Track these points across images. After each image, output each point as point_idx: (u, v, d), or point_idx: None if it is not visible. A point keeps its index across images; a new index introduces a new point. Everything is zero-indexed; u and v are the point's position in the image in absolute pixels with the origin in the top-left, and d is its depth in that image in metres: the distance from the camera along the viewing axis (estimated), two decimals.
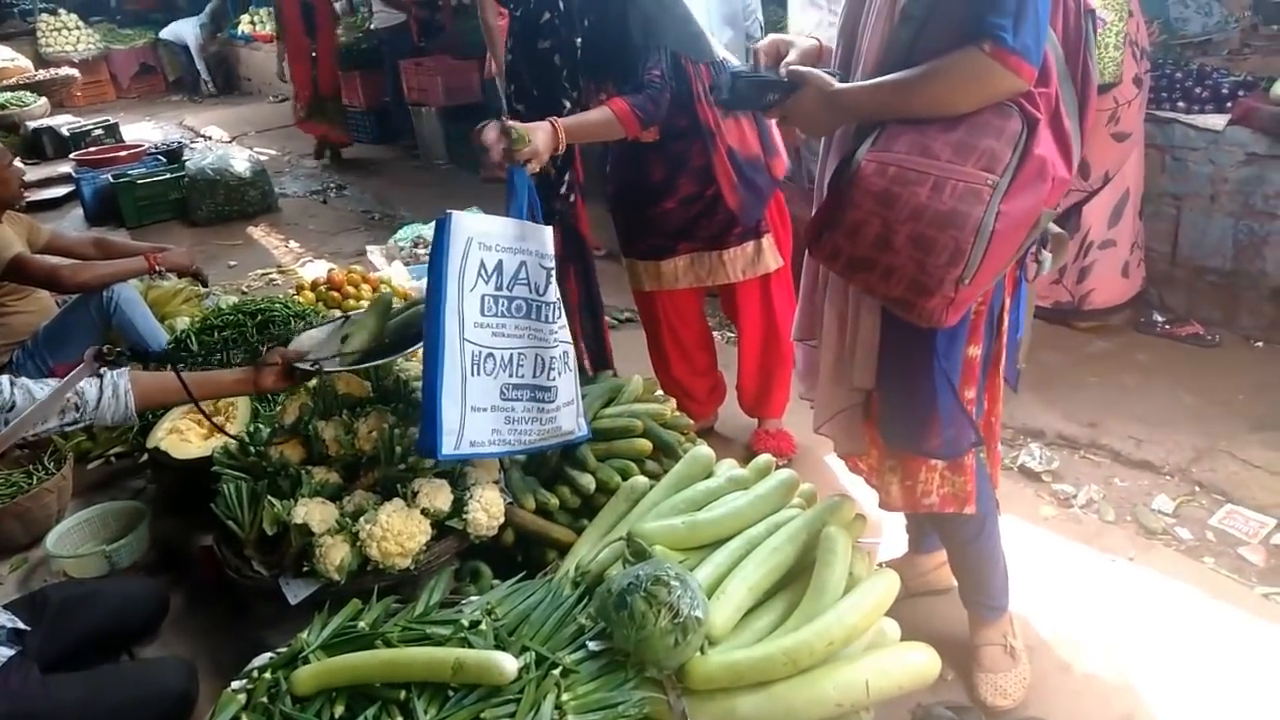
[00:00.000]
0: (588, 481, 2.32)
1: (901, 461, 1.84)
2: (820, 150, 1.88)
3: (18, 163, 3.47)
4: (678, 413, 2.64)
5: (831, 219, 1.60)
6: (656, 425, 2.50)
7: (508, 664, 1.59)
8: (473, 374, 1.98)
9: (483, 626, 1.73)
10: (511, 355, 2.06)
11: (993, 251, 1.48)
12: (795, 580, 1.93)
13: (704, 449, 2.29)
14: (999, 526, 1.96)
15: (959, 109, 1.48)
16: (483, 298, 2.00)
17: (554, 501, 2.31)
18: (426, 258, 4.75)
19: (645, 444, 2.43)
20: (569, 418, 2.15)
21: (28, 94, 9.80)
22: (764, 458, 2.23)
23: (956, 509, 1.82)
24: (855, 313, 1.76)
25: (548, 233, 2.08)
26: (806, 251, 1.84)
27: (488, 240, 1.99)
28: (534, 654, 1.68)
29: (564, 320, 2.12)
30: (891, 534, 2.41)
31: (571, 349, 2.16)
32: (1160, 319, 3.65)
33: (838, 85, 1.61)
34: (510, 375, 2.06)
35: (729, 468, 2.26)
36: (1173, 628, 2.16)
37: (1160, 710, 1.94)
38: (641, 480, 2.27)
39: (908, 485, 1.84)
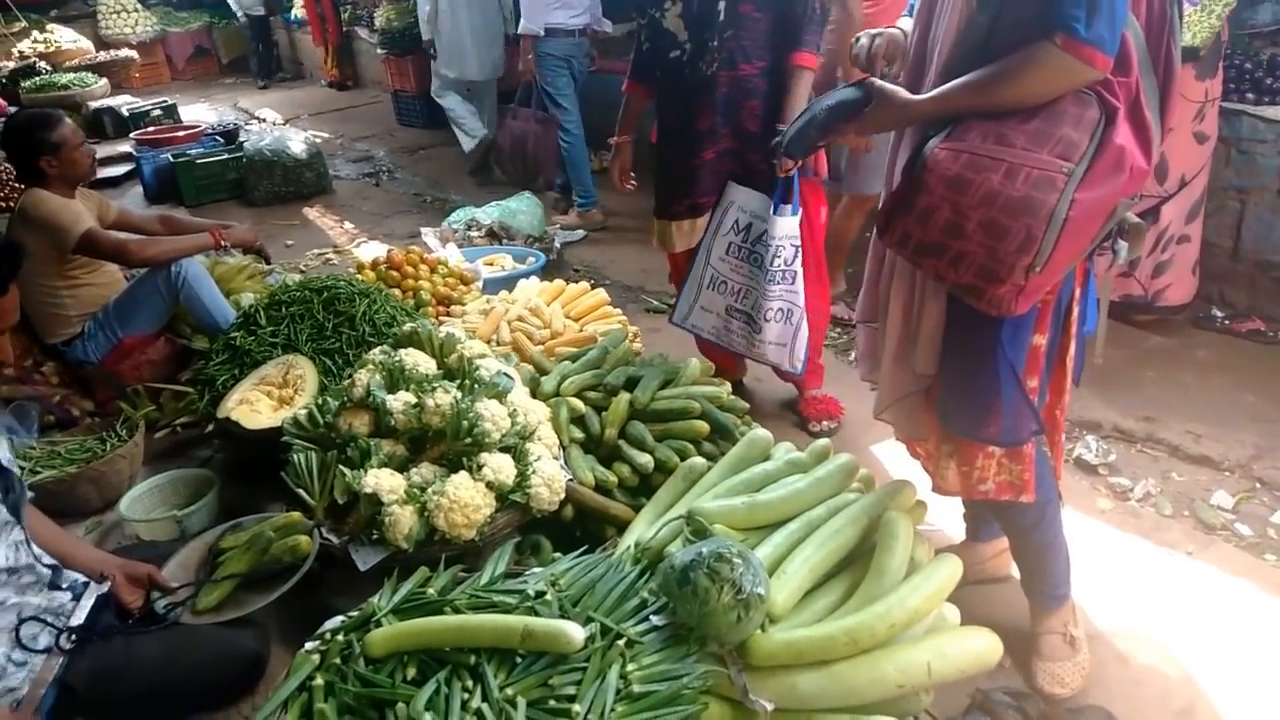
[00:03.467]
0: (646, 461, 2.36)
1: (959, 447, 1.84)
2: (892, 138, 1.88)
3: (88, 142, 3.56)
4: (733, 396, 2.67)
5: (902, 204, 1.60)
6: (713, 407, 2.53)
7: (576, 633, 1.63)
8: (708, 287, 3.02)
9: (548, 597, 1.77)
10: (739, 289, 2.96)
11: (1065, 240, 1.48)
12: (854, 564, 1.95)
13: (762, 432, 2.32)
14: (1061, 516, 1.96)
15: (1033, 103, 1.48)
16: (729, 244, 2.93)
17: (613, 479, 2.35)
18: (480, 241, 4.84)
19: (702, 425, 2.46)
20: (776, 354, 2.95)
21: (89, 75, 10.02)
22: (822, 443, 2.24)
23: (1013, 496, 1.82)
24: (920, 299, 1.77)
25: (790, 221, 2.77)
26: (874, 236, 1.85)
27: (746, 207, 2.87)
28: (599, 625, 1.72)
29: (792, 285, 2.84)
30: (949, 520, 2.41)
31: (795, 309, 2.87)
32: (1220, 315, 3.60)
33: (909, 97, 1.62)
34: (735, 301, 2.98)
35: (786, 451, 2.27)
36: (1233, 623, 2.14)
37: (1221, 704, 1.93)
38: (700, 461, 2.30)
39: (964, 471, 1.85)
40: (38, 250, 3.07)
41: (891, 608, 1.74)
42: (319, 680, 1.69)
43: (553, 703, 1.59)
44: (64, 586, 1.95)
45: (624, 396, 2.53)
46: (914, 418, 1.93)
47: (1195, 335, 3.55)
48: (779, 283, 2.83)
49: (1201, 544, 2.43)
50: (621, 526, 2.25)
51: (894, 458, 2.71)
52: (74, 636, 1.88)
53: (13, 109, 8.26)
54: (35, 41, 11.12)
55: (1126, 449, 2.89)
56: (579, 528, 2.34)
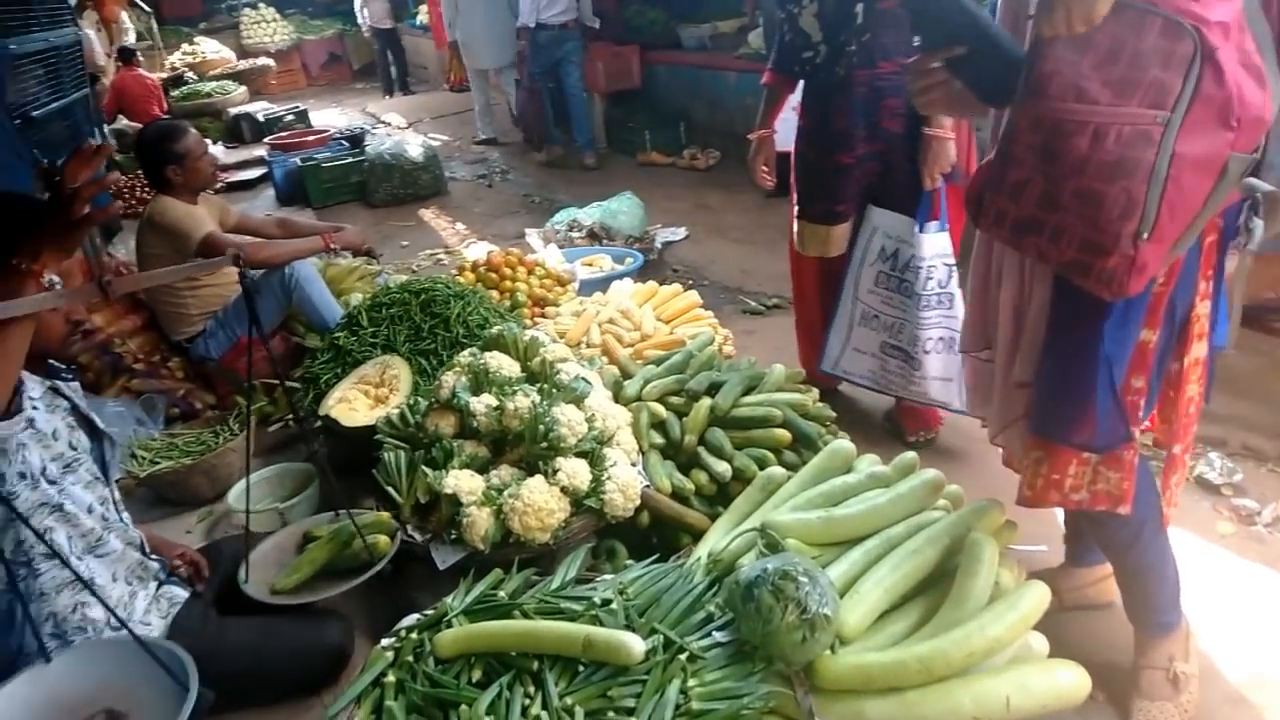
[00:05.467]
0: (724, 469, 2.32)
1: (1049, 453, 1.70)
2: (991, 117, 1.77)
3: (212, 149, 3.79)
4: (820, 404, 2.59)
5: (994, 179, 1.50)
6: (797, 416, 2.47)
7: (635, 645, 1.62)
8: (859, 324, 2.81)
9: (614, 605, 1.77)
10: (893, 323, 2.73)
11: (1171, 199, 1.33)
12: (935, 586, 1.86)
13: (845, 443, 2.24)
14: (1165, 535, 1.80)
15: None
16: (878, 273, 2.72)
17: (690, 487, 2.32)
18: (580, 241, 4.90)
19: (784, 434, 2.41)
20: (941, 391, 2.70)
21: (230, 83, 10.71)
22: (908, 456, 2.15)
23: (1109, 507, 1.67)
24: (1029, 290, 1.65)
25: (939, 239, 2.59)
26: (974, 228, 1.72)
27: (890, 231, 2.67)
28: (662, 637, 1.71)
29: (950, 310, 2.63)
30: (1046, 543, 2.27)
31: (954, 336, 2.59)
32: None
33: None
34: (890, 337, 2.75)
35: (870, 463, 2.20)
36: None
37: None
38: (779, 471, 2.25)
39: (1054, 479, 1.70)
40: (163, 253, 3.28)
41: (970, 634, 1.65)
42: (391, 678, 1.75)
43: (611, 714, 1.59)
44: (152, 557, 2.08)
45: (705, 402, 2.50)
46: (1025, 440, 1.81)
47: None
48: (935, 308, 2.63)
49: None
50: (697, 535, 2.23)
51: (993, 474, 2.58)
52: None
53: (165, 116, 8.91)
54: (184, 53, 11.94)
55: (1255, 468, 2.65)
56: (655, 535, 2.32)
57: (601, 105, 7.85)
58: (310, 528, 2.38)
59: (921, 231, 2.60)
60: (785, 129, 2.93)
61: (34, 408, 1.81)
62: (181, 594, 2.04)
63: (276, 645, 2.05)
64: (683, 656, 1.66)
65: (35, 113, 4.88)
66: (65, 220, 1.44)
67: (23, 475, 1.74)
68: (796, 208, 2.88)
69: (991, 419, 1.87)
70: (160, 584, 2.05)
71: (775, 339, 3.71)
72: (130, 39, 10.16)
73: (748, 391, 2.57)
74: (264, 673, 2.03)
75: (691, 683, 1.62)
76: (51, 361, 1.99)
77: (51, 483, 1.80)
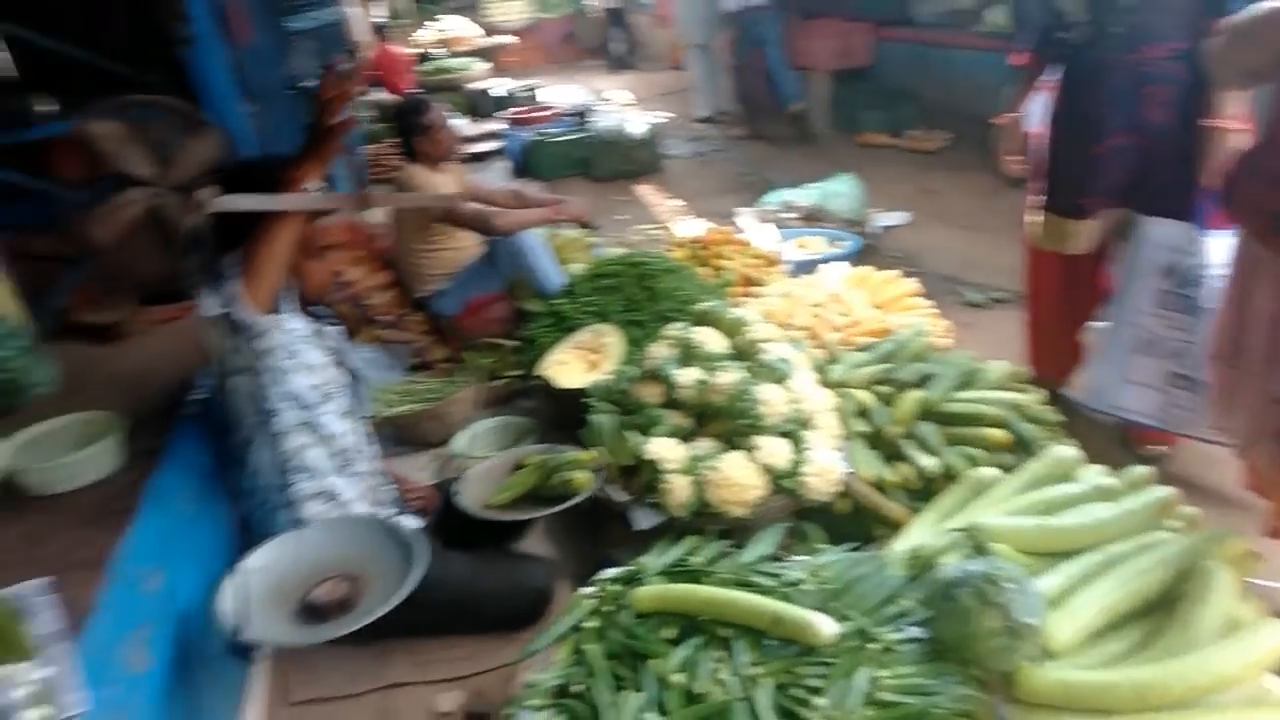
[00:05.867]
0: (931, 464, 2.26)
1: None
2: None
3: (454, 123, 4.08)
4: (1044, 407, 2.45)
5: (1254, 165, 1.36)
6: (1015, 417, 2.35)
7: (825, 627, 1.63)
8: (1135, 351, 2.46)
9: (805, 586, 1.78)
10: (1177, 348, 2.39)
11: None
12: (1158, 611, 1.72)
13: (1068, 450, 2.12)
14: None
15: None
16: (1157, 291, 2.39)
17: (893, 479, 2.28)
18: (794, 223, 4.85)
19: (1000, 435, 2.30)
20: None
21: (473, 59, 11.40)
22: (1140, 470, 2.00)
23: None
24: None
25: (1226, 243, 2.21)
26: (1229, 218, 1.57)
27: (1164, 241, 2.38)
28: (854, 624, 1.70)
29: None
30: None
31: None
32: None
33: None
34: (1175, 365, 2.41)
35: (1096, 474, 2.06)
36: None
37: None
38: (991, 472, 2.16)
39: None
40: (410, 218, 3.60)
41: (1193, 667, 1.52)
42: (590, 624, 1.86)
43: (796, 690, 1.61)
44: (390, 487, 2.32)
45: (915, 394, 2.43)
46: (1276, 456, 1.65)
47: None
48: None
49: None
50: (896, 528, 2.19)
51: (1233, 502, 2.33)
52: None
53: (412, 90, 9.66)
54: (434, 30, 12.84)
55: None
56: (852, 523, 2.30)
57: (825, 83, 7.69)
58: (522, 457, 2.53)
59: (1203, 234, 2.32)
60: (1033, 109, 2.76)
61: (302, 341, 2.07)
62: (412, 524, 2.26)
63: (488, 580, 2.23)
64: (874, 646, 1.65)
65: (308, 84, 5.45)
66: (320, 132, 1.66)
67: (288, 396, 2.02)
68: (1039, 197, 2.71)
69: (1238, 431, 1.70)
70: (396, 513, 2.28)
71: (996, 334, 3.52)
72: (385, 16, 11.07)
73: (962, 386, 2.47)
74: (475, 604, 2.21)
75: (882, 673, 1.60)
76: (317, 309, 2.26)
77: (309, 407, 2.07)
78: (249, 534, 2.09)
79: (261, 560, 1.65)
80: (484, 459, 2.52)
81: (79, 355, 2.84)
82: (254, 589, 1.49)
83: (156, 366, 2.70)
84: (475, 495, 2.32)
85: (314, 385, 2.09)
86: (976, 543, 1.83)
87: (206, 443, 2.28)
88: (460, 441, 3.04)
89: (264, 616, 1.49)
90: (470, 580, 2.22)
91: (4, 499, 1.89)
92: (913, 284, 3.51)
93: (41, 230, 3.76)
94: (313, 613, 1.50)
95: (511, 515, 2.28)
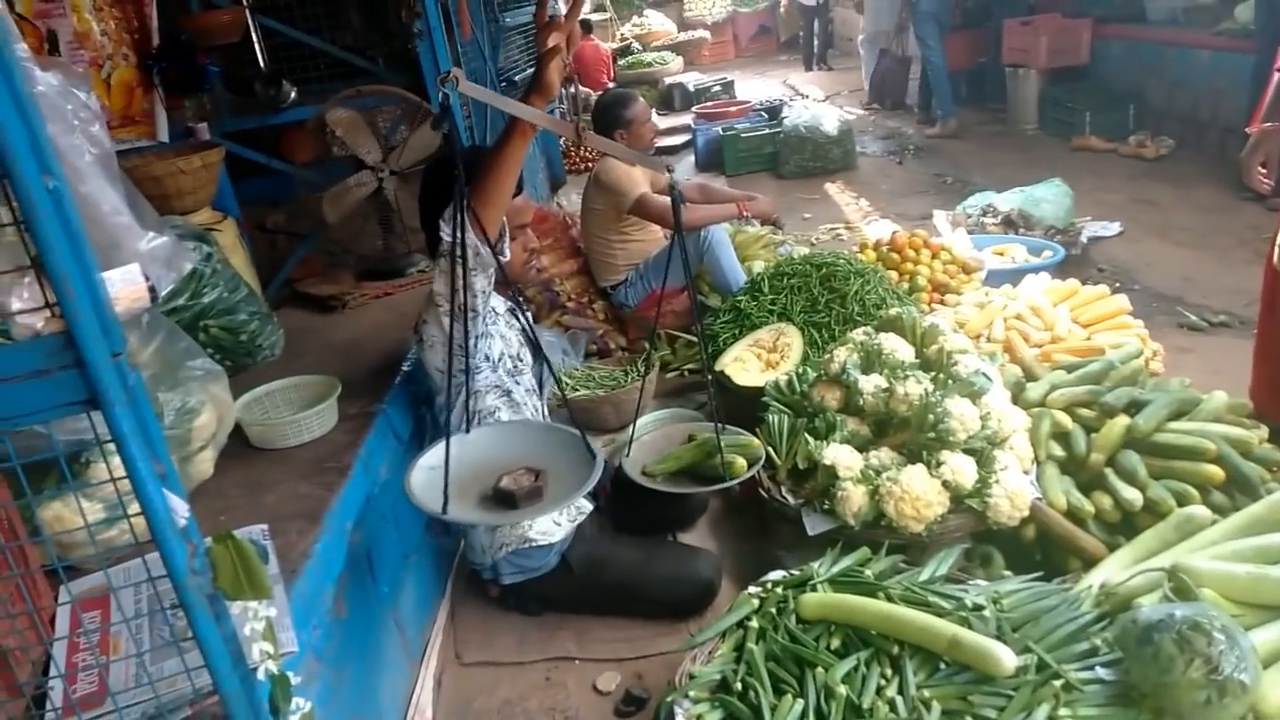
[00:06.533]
0: (1134, 496, 2.10)
1: None
2: None
3: (653, 116, 4.15)
4: (1268, 444, 2.22)
5: None
6: (1235, 453, 2.14)
7: (1006, 658, 1.55)
8: None
9: (986, 612, 1.70)
10: None
11: None
12: None
13: None
14: None
15: None
16: None
17: (1089, 509, 2.13)
18: (994, 228, 4.62)
19: (1215, 471, 2.11)
20: None
21: (668, 54, 11.57)
22: None
23: None
24: None
25: None
26: None
27: None
28: (1036, 658, 1.61)
29: None
30: None
31: None
32: None
33: None
34: None
35: None
36: None
37: None
38: (1203, 511, 1.98)
39: None
40: (602, 207, 3.71)
41: None
42: (754, 623, 1.86)
43: (968, 719, 1.55)
44: None
45: (1122, 420, 2.26)
46: None
47: None
48: None
49: None
50: (1089, 562, 2.05)
51: None
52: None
53: (611, 83, 9.93)
54: (634, 25, 13.13)
55: None
56: (1039, 551, 2.18)
57: (1039, 82, 7.24)
58: (695, 430, 2.52)
59: None
60: None
61: (499, 318, 2.18)
62: (588, 506, 2.34)
63: (657, 567, 2.28)
64: (1057, 682, 1.56)
65: (516, 77, 5.73)
66: (538, 65, 1.74)
67: (487, 358, 2.13)
68: None
69: None
70: None
71: (1217, 362, 3.22)
72: (590, 10, 11.41)
73: (1176, 416, 2.28)
74: (642, 589, 2.27)
75: (1064, 712, 1.52)
76: (511, 292, 2.38)
77: (504, 373, 2.17)
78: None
79: (448, 453, 1.68)
80: (657, 430, 2.50)
81: (302, 323, 3.13)
82: (451, 471, 1.55)
83: (370, 337, 2.93)
84: (639, 460, 2.31)
85: (506, 356, 2.20)
86: (1180, 585, 1.69)
87: (408, 412, 2.46)
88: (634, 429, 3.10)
89: (458, 500, 1.54)
90: (639, 564, 2.27)
91: (232, 449, 2.11)
92: (1122, 301, 3.26)
93: (276, 206, 4.18)
94: (502, 499, 1.54)
95: (664, 486, 2.23)
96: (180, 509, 0.92)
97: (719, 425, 2.00)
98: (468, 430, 1.79)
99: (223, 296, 2.45)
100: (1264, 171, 2.53)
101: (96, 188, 1.67)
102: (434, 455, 1.62)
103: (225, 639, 0.98)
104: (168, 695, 1.14)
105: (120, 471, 0.89)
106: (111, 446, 0.87)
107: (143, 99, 2.92)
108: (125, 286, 0.95)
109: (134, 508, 0.89)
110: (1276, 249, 2.47)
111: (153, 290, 1.00)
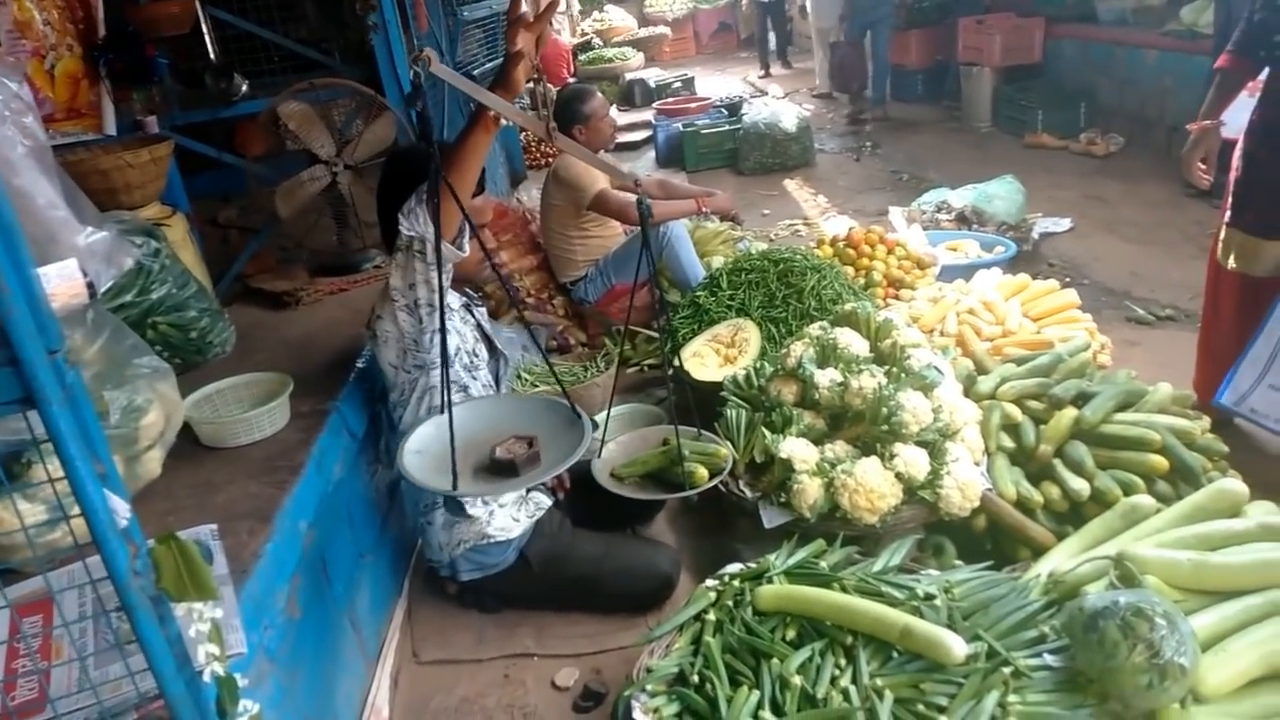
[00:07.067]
0: (1081, 486, 2.15)
1: None
2: None
3: (614, 112, 4.14)
4: (1210, 435, 2.29)
5: None
6: (1179, 443, 2.20)
7: (957, 646, 1.58)
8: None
9: (937, 602, 1.73)
10: None
11: None
12: None
13: (1235, 483, 1.97)
14: None
15: None
16: None
17: (1038, 499, 2.18)
18: (948, 224, 4.68)
19: (1160, 461, 2.16)
20: None
21: (629, 50, 11.55)
22: None
23: None
24: None
25: None
26: None
27: None
28: (986, 646, 1.65)
29: None
30: None
31: None
32: None
33: None
34: None
35: (1264, 511, 1.91)
36: None
37: None
38: (1147, 500, 2.04)
39: None
40: (561, 203, 3.69)
41: None
42: (711, 616, 1.87)
43: (921, 707, 1.58)
44: None
45: (1069, 412, 2.31)
46: None
47: None
48: None
49: None
50: (1038, 551, 2.10)
51: None
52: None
53: (571, 79, 9.89)
54: (594, 20, 13.09)
55: None
56: (989, 541, 2.22)
57: (993, 80, 7.36)
58: (668, 435, 2.51)
59: None
60: (1234, 116, 2.56)
61: (454, 314, 2.16)
62: (546, 501, 2.34)
63: (614, 560, 2.28)
64: (1006, 670, 1.59)
65: (475, 71, 5.67)
66: (506, 67, 1.71)
67: (440, 355, 2.09)
68: (1229, 212, 2.53)
69: None
70: (530, 489, 2.36)
71: (1163, 354, 3.30)
72: None
73: (1123, 408, 2.33)
74: (601, 583, 2.27)
75: (1012, 698, 1.55)
76: (467, 289, 2.36)
77: (459, 370, 2.15)
78: (397, 493, 2.22)
79: (436, 429, 1.66)
80: (636, 432, 2.50)
81: (254, 319, 3.08)
82: (439, 451, 1.52)
83: (323, 334, 2.90)
84: (610, 462, 2.30)
85: (461, 353, 2.19)
86: (1125, 573, 1.73)
87: (362, 409, 2.44)
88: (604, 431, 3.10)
89: (455, 473, 1.51)
90: (598, 559, 2.27)
91: (181, 449, 2.05)
92: (1072, 295, 3.32)
93: (227, 201, 4.11)
94: (501, 469, 1.53)
95: (625, 491, 2.23)
96: (121, 510, 0.91)
97: (677, 426, 2.00)
98: (444, 411, 1.77)
99: (171, 293, 2.41)
100: (1204, 168, 2.60)
101: (30, 180, 1.63)
102: (418, 439, 1.60)
103: (169, 641, 0.96)
104: (111, 700, 1.12)
105: (60, 472, 0.87)
106: (50, 446, 0.85)
107: (89, 91, 2.85)
108: (62, 282, 0.93)
109: (75, 509, 0.88)
110: (1219, 244, 2.55)
111: (91, 286, 0.98)
